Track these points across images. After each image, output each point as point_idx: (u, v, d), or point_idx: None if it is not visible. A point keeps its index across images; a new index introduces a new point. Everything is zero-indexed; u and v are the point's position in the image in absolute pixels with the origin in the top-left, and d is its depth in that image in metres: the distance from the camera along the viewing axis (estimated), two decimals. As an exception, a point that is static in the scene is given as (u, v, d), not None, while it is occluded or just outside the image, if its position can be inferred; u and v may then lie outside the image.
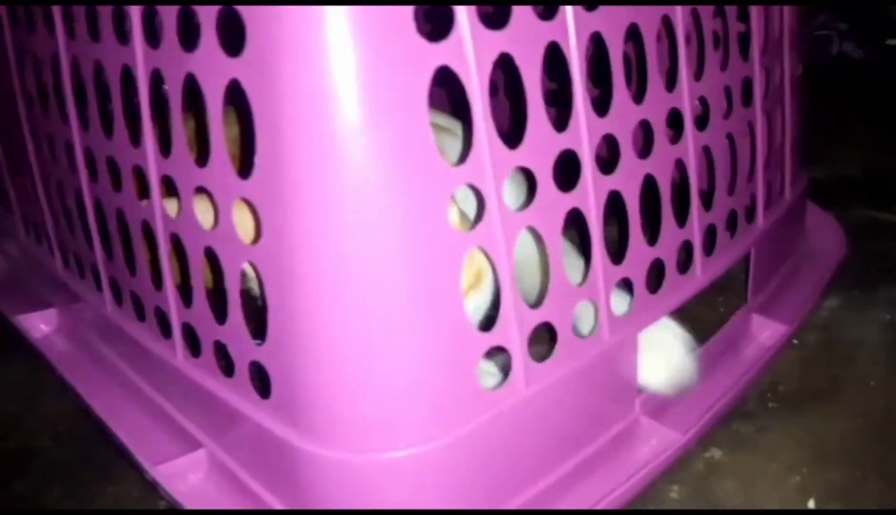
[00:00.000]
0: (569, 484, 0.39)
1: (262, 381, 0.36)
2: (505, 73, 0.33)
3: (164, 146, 0.37)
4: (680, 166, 0.44)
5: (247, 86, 0.31)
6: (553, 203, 0.36)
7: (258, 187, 0.32)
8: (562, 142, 0.36)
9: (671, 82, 0.42)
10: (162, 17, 0.34)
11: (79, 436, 0.47)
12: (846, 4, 1.20)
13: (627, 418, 0.43)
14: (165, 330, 0.42)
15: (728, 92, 0.46)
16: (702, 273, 0.46)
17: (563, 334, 0.38)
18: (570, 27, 0.35)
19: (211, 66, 0.32)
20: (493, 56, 0.32)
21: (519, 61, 0.33)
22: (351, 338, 0.33)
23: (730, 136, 0.47)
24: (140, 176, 0.39)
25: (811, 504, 0.41)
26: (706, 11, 0.43)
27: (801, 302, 0.54)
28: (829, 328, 0.55)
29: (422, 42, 0.30)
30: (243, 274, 0.35)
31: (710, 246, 0.47)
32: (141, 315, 0.44)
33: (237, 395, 0.37)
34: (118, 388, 0.47)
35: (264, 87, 0.30)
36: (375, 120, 0.30)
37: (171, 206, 0.38)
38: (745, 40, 0.47)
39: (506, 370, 0.36)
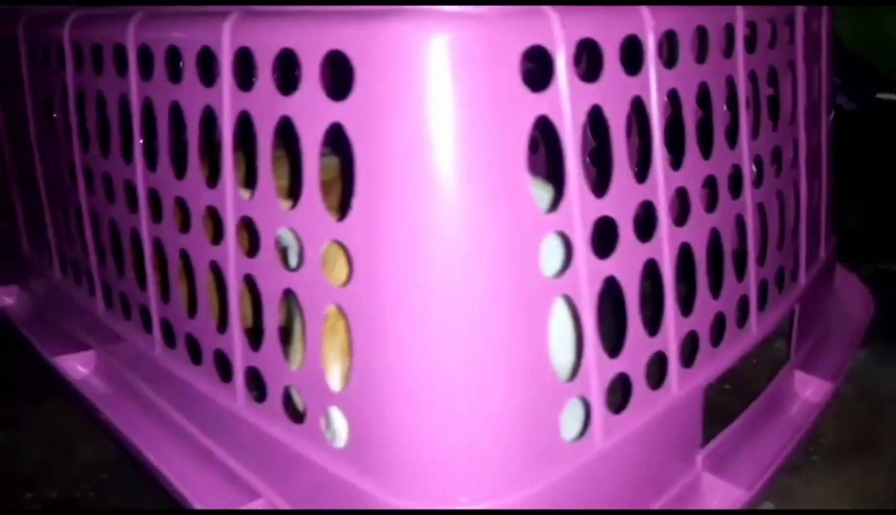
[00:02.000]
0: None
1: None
2: (542, 131, 0.33)
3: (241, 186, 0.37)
4: (739, 222, 0.44)
5: (350, 130, 0.31)
6: (633, 252, 0.36)
7: (353, 230, 0.32)
8: (642, 193, 0.36)
9: (732, 141, 0.43)
10: (257, 59, 0.34)
11: (124, 485, 0.46)
12: (838, 59, 1.25)
13: (690, 473, 0.42)
14: (225, 374, 0.41)
15: (778, 151, 0.48)
16: (756, 329, 0.47)
17: (637, 385, 0.38)
18: (653, 83, 0.36)
19: (312, 110, 0.32)
20: (587, 107, 0.33)
21: (608, 113, 0.34)
22: (438, 386, 0.32)
23: (779, 194, 0.48)
24: (213, 216, 0.39)
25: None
26: (762, 75, 0.45)
27: (839, 357, 0.55)
28: (860, 380, 0.56)
29: (525, 92, 0.31)
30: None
31: (763, 301, 0.47)
32: (196, 358, 0.43)
33: (307, 442, 0.37)
34: (165, 433, 0.45)
35: (368, 132, 0.31)
36: (476, 168, 0.30)
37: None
38: (792, 103, 0.49)
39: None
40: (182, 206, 0.41)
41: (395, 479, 0.33)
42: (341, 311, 0.33)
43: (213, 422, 0.43)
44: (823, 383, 0.51)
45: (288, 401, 0.38)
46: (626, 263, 0.36)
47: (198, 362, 0.43)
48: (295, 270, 0.35)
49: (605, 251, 0.35)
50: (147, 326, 0.47)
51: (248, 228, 0.37)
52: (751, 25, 0.43)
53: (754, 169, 0.46)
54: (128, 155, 0.45)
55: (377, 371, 0.33)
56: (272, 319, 0.37)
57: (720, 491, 0.42)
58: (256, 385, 0.40)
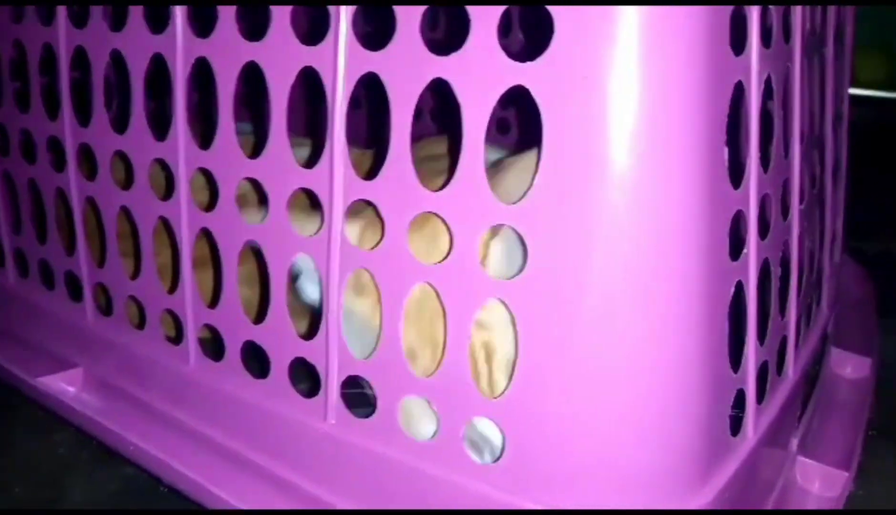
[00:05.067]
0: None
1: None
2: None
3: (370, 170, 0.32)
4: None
5: (539, 95, 0.26)
6: (777, 236, 0.34)
7: (530, 212, 0.27)
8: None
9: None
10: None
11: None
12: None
13: (789, 458, 0.41)
14: (313, 388, 0.35)
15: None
16: (826, 309, 0.47)
17: (772, 375, 0.36)
18: (797, 51, 0.34)
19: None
20: (766, 73, 0.30)
21: (775, 83, 0.32)
22: (618, 386, 0.29)
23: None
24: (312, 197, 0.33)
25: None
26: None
27: (866, 331, 0.57)
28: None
29: (731, 55, 0.28)
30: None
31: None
32: (264, 371, 0.37)
33: (440, 463, 0.32)
34: (208, 455, 0.38)
35: (559, 100, 0.26)
36: (679, 142, 0.27)
37: (353, 232, 0.33)
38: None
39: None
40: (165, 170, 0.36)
41: (565, 494, 0.29)
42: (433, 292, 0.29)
43: (287, 444, 0.36)
44: (862, 359, 0.53)
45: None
46: (775, 242, 0.34)
47: (264, 375, 0.37)
48: (439, 263, 0.30)
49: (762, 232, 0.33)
50: (179, 337, 0.40)
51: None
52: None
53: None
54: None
55: (549, 374, 0.29)
56: (398, 319, 0.31)
57: (819, 473, 0.41)
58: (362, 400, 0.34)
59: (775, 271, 0.35)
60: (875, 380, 0.53)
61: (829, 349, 0.53)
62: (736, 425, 0.33)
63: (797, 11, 0.34)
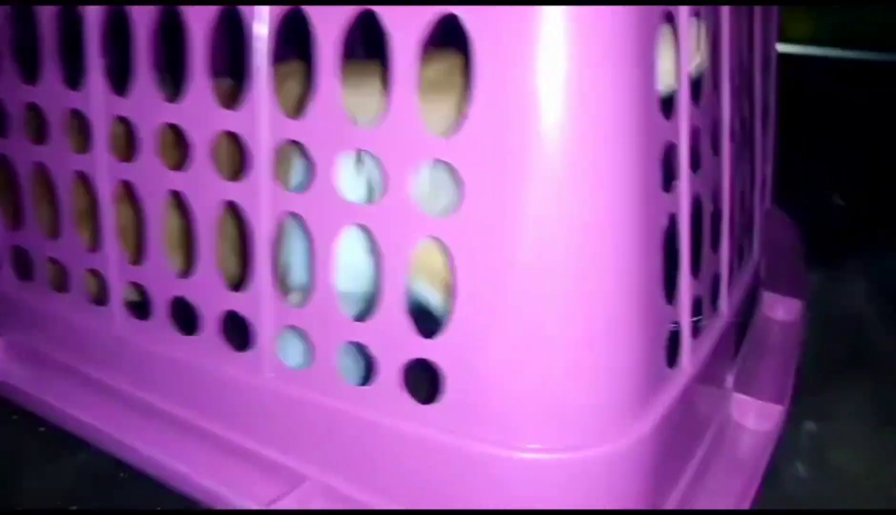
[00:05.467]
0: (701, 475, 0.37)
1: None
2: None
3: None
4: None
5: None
6: (708, 171, 0.35)
7: (460, 146, 0.27)
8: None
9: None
10: None
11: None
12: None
13: (726, 395, 0.42)
14: (242, 342, 0.34)
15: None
16: (757, 251, 0.48)
17: (706, 309, 0.36)
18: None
19: None
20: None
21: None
22: (555, 319, 0.28)
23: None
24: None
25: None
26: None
27: (795, 276, 0.58)
28: (828, 296, 0.59)
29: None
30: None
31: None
32: (190, 328, 0.35)
33: (379, 408, 0.31)
34: (155, 422, 0.37)
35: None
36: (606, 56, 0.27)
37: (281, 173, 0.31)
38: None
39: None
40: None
41: (506, 432, 0.29)
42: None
43: (225, 403, 0.35)
44: (792, 301, 0.54)
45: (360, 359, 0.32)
46: (706, 178, 0.34)
47: (190, 332, 0.35)
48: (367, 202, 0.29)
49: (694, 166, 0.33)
50: (103, 298, 0.38)
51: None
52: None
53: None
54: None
55: (484, 314, 0.28)
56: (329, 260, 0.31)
57: (754, 409, 0.42)
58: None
59: (707, 206, 0.35)
60: (805, 322, 0.55)
61: (761, 293, 0.55)
62: (672, 357, 0.34)
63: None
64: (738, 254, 0.43)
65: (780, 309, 0.54)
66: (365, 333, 0.31)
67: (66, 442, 0.38)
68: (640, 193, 0.28)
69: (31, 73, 0.37)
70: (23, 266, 0.41)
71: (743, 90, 0.41)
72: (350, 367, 0.32)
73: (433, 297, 0.33)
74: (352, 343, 0.31)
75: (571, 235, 0.27)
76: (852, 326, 0.56)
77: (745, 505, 0.35)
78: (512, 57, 0.26)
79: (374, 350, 0.31)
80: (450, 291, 0.29)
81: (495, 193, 0.27)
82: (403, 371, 0.30)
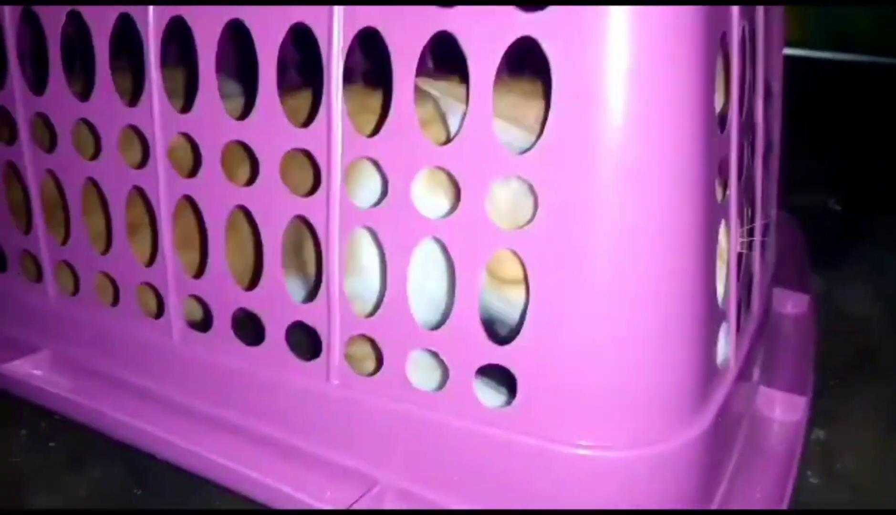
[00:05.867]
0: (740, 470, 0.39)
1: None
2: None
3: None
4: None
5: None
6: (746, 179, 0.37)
7: (537, 163, 0.28)
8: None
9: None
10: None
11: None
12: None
13: (754, 388, 0.44)
14: (313, 351, 0.35)
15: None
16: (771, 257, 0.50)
17: (744, 312, 0.38)
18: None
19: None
20: (742, 26, 0.32)
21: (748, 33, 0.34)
22: (627, 323, 0.30)
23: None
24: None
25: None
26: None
27: (801, 272, 0.61)
28: (830, 301, 0.61)
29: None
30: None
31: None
32: (258, 338, 0.36)
33: (452, 412, 0.32)
34: (219, 431, 0.37)
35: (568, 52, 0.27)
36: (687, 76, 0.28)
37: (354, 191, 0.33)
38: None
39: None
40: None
41: (585, 432, 0.31)
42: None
43: (287, 410, 0.36)
44: (801, 296, 0.57)
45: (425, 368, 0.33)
46: (747, 183, 0.36)
47: (257, 342, 0.36)
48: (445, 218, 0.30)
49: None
50: (160, 310, 0.38)
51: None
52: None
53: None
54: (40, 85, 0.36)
55: (558, 321, 0.30)
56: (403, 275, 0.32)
57: (780, 401, 0.45)
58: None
59: (747, 211, 0.37)
60: (814, 316, 0.57)
61: (771, 289, 0.57)
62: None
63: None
64: (763, 255, 0.46)
65: (790, 304, 0.57)
66: (438, 341, 0.32)
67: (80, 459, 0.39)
68: (703, 204, 0.30)
69: (86, 89, 0.37)
70: (72, 280, 0.42)
71: (766, 96, 0.43)
72: (425, 372, 0.34)
73: (502, 305, 0.34)
74: (425, 350, 0.32)
75: (641, 245, 0.29)
76: (853, 330, 0.58)
77: (785, 497, 0.37)
78: (586, 78, 0.27)
79: (447, 356, 0.32)
80: (518, 299, 0.30)
81: (569, 206, 0.28)
82: (475, 375, 0.32)
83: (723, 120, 0.32)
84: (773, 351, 0.50)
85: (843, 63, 1.08)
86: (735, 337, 0.36)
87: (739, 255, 0.36)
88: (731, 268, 0.35)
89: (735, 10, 0.31)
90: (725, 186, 0.33)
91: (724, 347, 0.35)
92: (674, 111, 0.28)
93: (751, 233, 0.39)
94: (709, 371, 0.33)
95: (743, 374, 0.39)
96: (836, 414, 0.48)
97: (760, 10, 0.42)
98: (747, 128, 0.36)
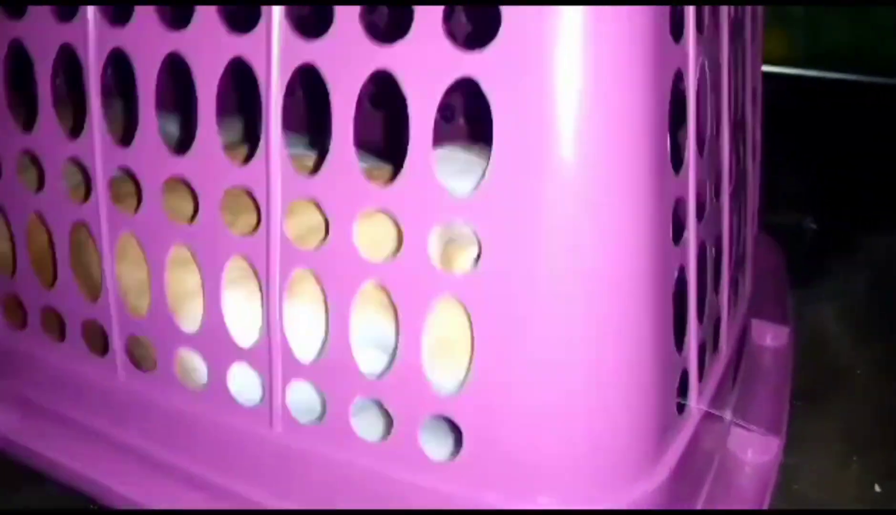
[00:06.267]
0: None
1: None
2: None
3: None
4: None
5: (486, 85, 0.26)
6: (710, 217, 0.35)
7: (481, 207, 0.27)
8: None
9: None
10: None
11: None
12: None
13: (725, 429, 0.43)
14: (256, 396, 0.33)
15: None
16: (749, 285, 0.49)
17: (709, 352, 0.37)
18: (725, 39, 0.35)
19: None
20: (700, 61, 0.31)
21: (708, 68, 0.32)
22: (572, 376, 0.29)
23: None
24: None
25: (877, 489, 0.44)
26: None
27: (781, 301, 0.60)
28: (798, 320, 0.59)
29: (672, 43, 0.28)
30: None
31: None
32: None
33: (396, 463, 0.31)
34: (151, 470, 0.36)
35: (508, 89, 0.26)
36: (623, 131, 0.27)
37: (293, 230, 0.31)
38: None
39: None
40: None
41: (532, 486, 0.29)
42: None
43: (228, 455, 0.35)
44: (780, 328, 0.55)
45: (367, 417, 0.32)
46: (710, 224, 0.35)
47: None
48: (386, 262, 0.29)
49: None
50: (104, 349, 0.37)
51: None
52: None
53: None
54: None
55: (506, 367, 0.28)
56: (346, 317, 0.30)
57: (753, 442, 0.43)
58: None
59: (710, 252, 0.36)
60: (794, 348, 0.56)
61: (749, 320, 0.56)
62: (680, 404, 0.34)
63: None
64: (735, 291, 0.44)
65: (769, 336, 0.55)
66: (382, 389, 0.31)
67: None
68: (654, 250, 0.29)
69: (29, 120, 0.36)
70: (15, 314, 0.40)
71: (738, 127, 0.42)
72: (368, 422, 0.32)
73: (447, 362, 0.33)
74: (368, 398, 0.31)
75: (588, 292, 0.28)
76: (818, 351, 0.57)
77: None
78: (526, 117, 0.26)
79: (391, 406, 0.31)
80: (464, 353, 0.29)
81: (512, 253, 0.27)
82: (420, 426, 0.30)
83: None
84: (749, 387, 0.48)
85: (821, 80, 1.08)
86: (697, 384, 0.34)
87: (701, 298, 0.34)
88: (690, 315, 0.33)
89: (691, 46, 0.30)
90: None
91: (688, 392, 0.34)
92: (621, 159, 0.27)
93: (717, 269, 0.38)
94: (667, 421, 0.32)
95: (709, 416, 0.37)
96: (798, 435, 0.47)
97: (747, 36, 0.41)
98: (711, 165, 0.35)
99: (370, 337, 0.32)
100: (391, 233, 0.29)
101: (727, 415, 0.43)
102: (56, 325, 0.39)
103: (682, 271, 0.32)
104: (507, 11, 0.25)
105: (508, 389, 0.29)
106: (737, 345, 0.45)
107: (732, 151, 0.39)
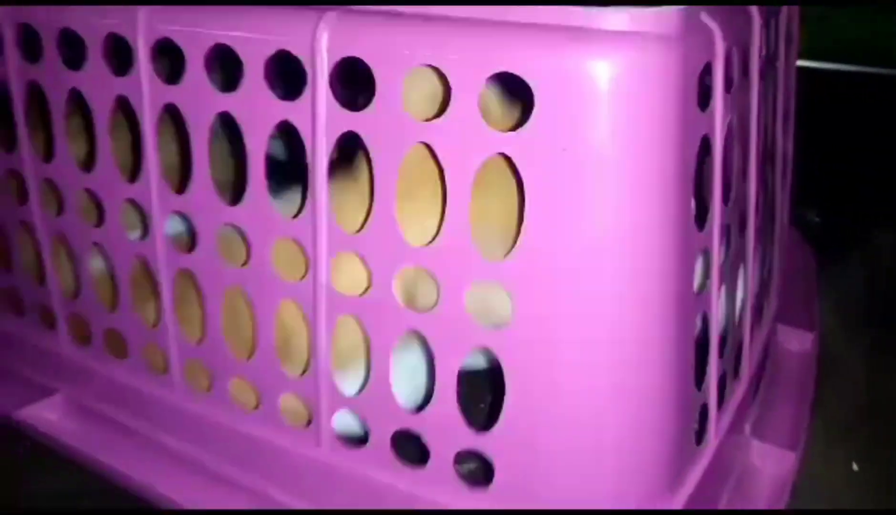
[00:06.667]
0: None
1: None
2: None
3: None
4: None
5: (519, 159, 0.28)
6: (733, 253, 0.37)
7: (516, 269, 0.29)
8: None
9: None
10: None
11: None
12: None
13: (743, 442, 0.45)
14: (304, 419, 0.37)
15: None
16: (774, 302, 0.50)
17: (729, 382, 0.39)
18: (755, 91, 0.36)
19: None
20: (728, 120, 0.32)
21: (736, 125, 0.33)
22: (598, 420, 0.31)
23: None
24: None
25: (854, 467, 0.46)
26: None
27: (809, 306, 0.61)
28: None
29: (699, 112, 0.29)
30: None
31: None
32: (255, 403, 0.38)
33: (432, 488, 0.34)
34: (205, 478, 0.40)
35: (542, 162, 0.27)
36: (653, 192, 0.28)
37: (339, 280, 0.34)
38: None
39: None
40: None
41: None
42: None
43: (279, 470, 0.38)
44: (806, 334, 0.57)
45: (406, 445, 0.35)
46: (734, 264, 0.37)
47: (256, 406, 0.38)
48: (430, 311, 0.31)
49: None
50: (165, 366, 0.40)
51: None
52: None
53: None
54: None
55: (536, 411, 0.31)
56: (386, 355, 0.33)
57: (771, 456, 0.45)
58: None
59: (732, 288, 0.37)
60: (818, 354, 0.57)
61: (776, 325, 0.57)
62: (699, 434, 0.36)
63: (755, 42, 0.35)
64: (759, 313, 0.46)
65: (795, 341, 0.57)
66: (418, 422, 0.33)
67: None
68: (677, 305, 0.30)
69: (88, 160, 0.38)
70: (82, 332, 0.44)
71: (767, 159, 0.43)
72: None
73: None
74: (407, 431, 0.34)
75: (615, 346, 0.30)
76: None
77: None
78: (559, 191, 0.28)
79: (427, 438, 0.33)
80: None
81: (544, 311, 0.29)
82: (455, 459, 0.33)
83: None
84: (770, 399, 0.50)
85: (825, 72, 1.04)
86: (716, 415, 0.36)
87: (724, 335, 0.36)
88: (711, 358, 0.35)
89: (718, 112, 0.31)
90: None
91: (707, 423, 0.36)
92: (646, 224, 0.28)
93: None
94: (682, 457, 0.34)
95: (728, 439, 0.39)
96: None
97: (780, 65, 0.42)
98: (736, 207, 0.36)
99: (408, 377, 0.34)
100: (430, 286, 0.31)
101: (747, 429, 0.45)
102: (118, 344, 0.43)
103: (706, 317, 0.34)
104: (539, 91, 0.27)
105: (536, 430, 0.31)
106: (760, 357, 0.46)
107: (760, 186, 0.40)
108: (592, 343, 0.29)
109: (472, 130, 0.28)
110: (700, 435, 0.36)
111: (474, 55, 0.27)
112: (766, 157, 0.43)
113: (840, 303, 0.64)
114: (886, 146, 0.93)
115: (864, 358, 0.58)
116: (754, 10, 0.36)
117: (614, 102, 0.26)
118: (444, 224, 0.29)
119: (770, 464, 0.44)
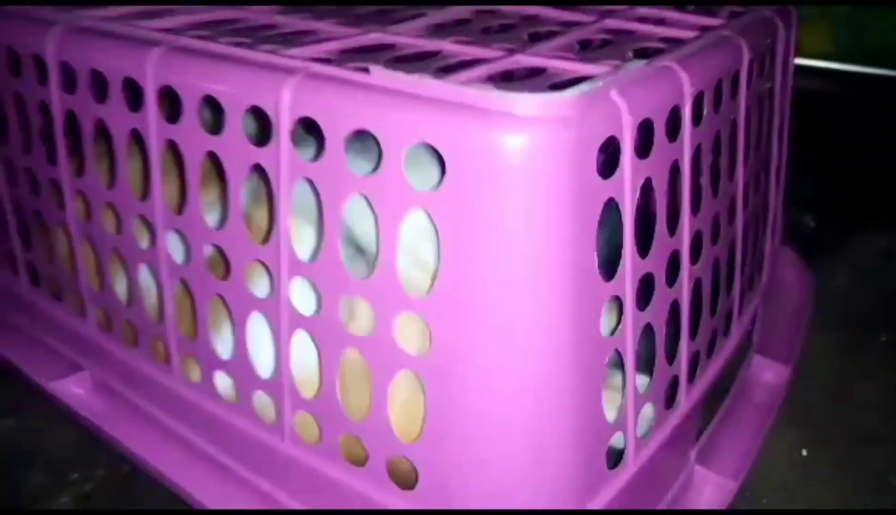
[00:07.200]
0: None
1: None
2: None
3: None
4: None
5: (437, 217, 0.32)
6: (664, 299, 0.40)
7: (433, 306, 0.34)
8: (672, 244, 0.40)
9: (730, 174, 0.47)
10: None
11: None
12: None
13: (686, 469, 0.48)
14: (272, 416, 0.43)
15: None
16: (736, 331, 0.53)
17: (659, 412, 0.42)
18: (687, 145, 0.39)
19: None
20: (642, 182, 0.36)
21: (656, 182, 0.37)
22: (509, 441, 0.35)
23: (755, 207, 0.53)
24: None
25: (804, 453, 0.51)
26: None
27: (792, 340, 0.62)
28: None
29: (599, 181, 0.33)
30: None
31: (742, 305, 0.53)
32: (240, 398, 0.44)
33: (370, 485, 0.39)
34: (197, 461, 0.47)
35: (455, 222, 0.32)
36: (557, 252, 0.32)
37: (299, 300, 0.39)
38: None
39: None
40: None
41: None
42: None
43: (251, 455, 0.44)
44: (781, 367, 0.59)
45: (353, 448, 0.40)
46: (659, 309, 0.40)
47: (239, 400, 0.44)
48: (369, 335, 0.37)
49: (644, 302, 0.39)
50: (166, 359, 0.47)
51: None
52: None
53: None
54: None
55: (451, 431, 0.36)
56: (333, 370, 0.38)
57: (712, 482, 0.48)
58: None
59: (659, 326, 0.40)
60: (789, 385, 0.59)
61: (752, 355, 0.59)
62: (616, 458, 0.40)
63: (744, 68, 0.39)
64: (711, 343, 0.48)
65: (770, 373, 0.59)
66: (360, 428, 0.38)
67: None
68: (576, 341, 0.34)
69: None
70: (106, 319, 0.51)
71: (759, 167, 0.46)
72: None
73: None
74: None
75: (512, 373, 0.34)
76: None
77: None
78: (469, 247, 0.32)
79: (367, 443, 0.39)
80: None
81: (456, 338, 0.34)
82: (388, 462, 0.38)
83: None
84: (723, 428, 0.52)
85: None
86: (634, 443, 0.40)
87: (649, 367, 0.40)
88: (629, 398, 0.38)
89: (627, 177, 0.34)
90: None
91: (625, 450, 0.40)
92: (550, 279, 0.33)
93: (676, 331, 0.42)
94: (589, 477, 0.38)
95: (654, 466, 0.43)
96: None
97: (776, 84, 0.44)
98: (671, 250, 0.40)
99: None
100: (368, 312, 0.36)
101: (691, 455, 0.48)
102: (131, 332, 0.49)
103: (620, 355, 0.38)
104: (449, 160, 0.31)
105: (452, 448, 0.36)
106: (715, 381, 0.49)
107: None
108: (497, 371, 0.34)
109: (397, 187, 0.32)
110: (619, 456, 0.40)
111: (398, 126, 0.32)
112: (759, 164, 0.46)
113: (826, 313, 0.66)
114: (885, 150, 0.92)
115: (832, 351, 0.61)
116: (743, 42, 0.42)
117: (513, 174, 0.30)
118: (377, 263, 0.34)
119: (709, 490, 0.48)
